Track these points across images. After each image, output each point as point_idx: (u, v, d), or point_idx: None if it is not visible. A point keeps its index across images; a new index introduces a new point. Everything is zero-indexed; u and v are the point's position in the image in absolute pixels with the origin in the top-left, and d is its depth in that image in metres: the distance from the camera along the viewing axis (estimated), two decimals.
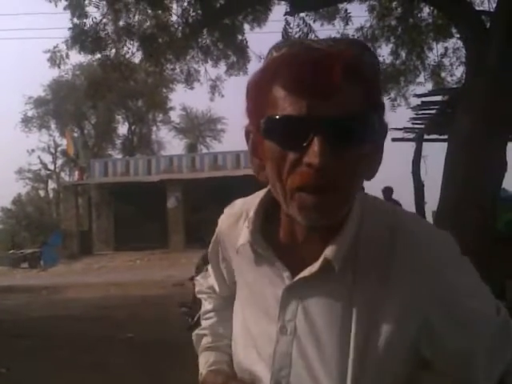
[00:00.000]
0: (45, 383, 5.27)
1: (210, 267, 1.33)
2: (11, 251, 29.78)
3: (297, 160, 0.83)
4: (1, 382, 5.34)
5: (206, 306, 1.37)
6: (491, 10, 8.42)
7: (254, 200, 1.08)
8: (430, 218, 9.28)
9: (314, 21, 11.42)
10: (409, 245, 0.91)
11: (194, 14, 10.51)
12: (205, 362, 1.22)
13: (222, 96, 13.35)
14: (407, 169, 9.16)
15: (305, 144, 0.81)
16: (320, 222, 0.86)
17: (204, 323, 1.36)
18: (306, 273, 0.93)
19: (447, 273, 0.90)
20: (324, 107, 0.80)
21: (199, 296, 1.42)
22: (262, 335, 1.01)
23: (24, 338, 7.42)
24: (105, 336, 7.55)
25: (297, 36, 10.13)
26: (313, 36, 10.08)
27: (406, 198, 11.34)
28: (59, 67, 11.77)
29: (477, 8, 7.63)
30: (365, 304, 0.90)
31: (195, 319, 5.87)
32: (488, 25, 7.15)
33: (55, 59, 11.64)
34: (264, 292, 1.02)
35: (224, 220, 1.18)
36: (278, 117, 0.83)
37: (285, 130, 0.83)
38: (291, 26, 10.66)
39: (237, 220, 1.12)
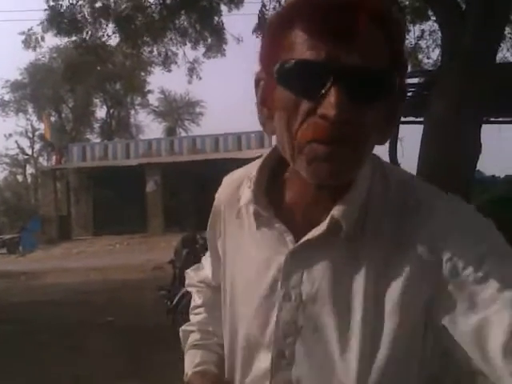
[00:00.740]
0: (24, 367, 5.27)
1: (207, 254, 1.24)
2: None
3: (310, 110, 0.75)
4: None
5: (196, 300, 1.29)
6: None
7: (256, 165, 0.98)
8: None
9: None
10: (426, 206, 0.84)
11: None
12: (191, 361, 1.15)
13: (200, 78, 13.30)
14: (384, 151, 9.22)
15: (321, 93, 0.73)
16: (329, 180, 0.79)
17: (192, 318, 1.28)
18: (311, 235, 0.86)
19: (471, 239, 0.79)
20: (346, 55, 0.73)
21: (189, 289, 1.35)
22: (260, 307, 0.93)
23: (3, 323, 7.40)
24: (84, 320, 7.56)
25: None
26: None
27: None
28: (34, 50, 11.64)
29: None
30: (374, 267, 0.83)
31: (174, 302, 5.90)
32: (464, 7, 7.19)
33: (30, 42, 11.49)
34: (264, 259, 0.93)
35: (223, 188, 1.09)
36: (294, 61, 0.76)
37: (300, 76, 0.75)
38: (267, 7, 10.65)
39: (238, 186, 1.03)
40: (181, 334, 1.27)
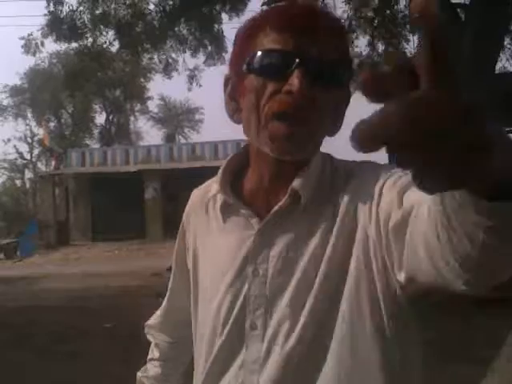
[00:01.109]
0: (22, 373, 5.26)
1: (172, 275, 1.36)
2: None
3: (277, 89, 0.91)
4: None
5: (154, 353, 1.39)
6: (466, 2, 8.50)
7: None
8: None
9: None
10: (351, 176, 0.99)
11: (171, 2, 10.46)
12: None
13: (200, 86, 13.29)
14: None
15: (287, 71, 0.89)
16: (289, 155, 0.95)
17: (149, 369, 1.39)
18: (275, 208, 0.98)
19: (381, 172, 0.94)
20: (309, 47, 0.89)
21: (148, 337, 1.43)
22: (230, 287, 1.01)
23: (1, 329, 7.39)
24: (82, 326, 7.55)
25: None
26: None
27: None
28: (34, 55, 11.67)
29: (452, 0, 7.70)
30: (329, 236, 0.95)
31: None
32: (463, 18, 7.23)
33: (29, 46, 11.52)
34: (234, 246, 1.03)
35: (192, 198, 1.20)
36: (264, 50, 0.93)
37: (270, 62, 0.92)
38: None
39: (207, 191, 1.14)
40: (137, 378, 1.39)
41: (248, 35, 0.97)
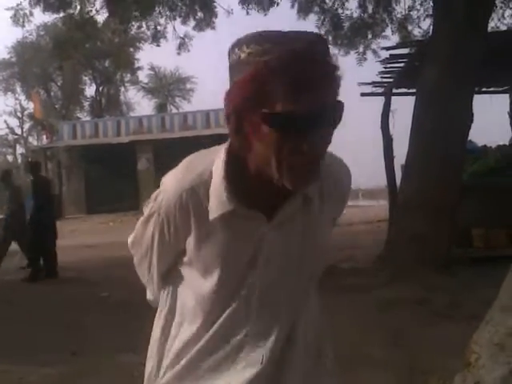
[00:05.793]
0: (20, 343, 5.29)
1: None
2: None
3: (297, 146, 1.01)
4: None
5: None
6: None
7: (210, 165, 1.18)
8: (398, 172, 9.37)
9: None
10: (334, 182, 1.26)
11: None
12: None
13: (188, 51, 13.00)
14: (376, 123, 9.18)
15: (307, 130, 1.00)
16: (307, 187, 1.13)
17: None
18: (288, 210, 1.16)
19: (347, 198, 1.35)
20: (317, 106, 0.98)
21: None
22: (244, 268, 1.20)
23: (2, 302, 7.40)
24: (79, 295, 7.58)
25: None
26: None
27: (375, 153, 11.40)
28: (23, 27, 11.43)
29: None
30: (322, 223, 1.26)
31: None
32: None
33: (19, 17, 11.28)
34: (243, 239, 1.18)
35: (187, 181, 1.21)
36: (287, 111, 0.98)
37: (291, 122, 0.99)
38: None
39: (204, 192, 1.17)
40: None
41: (263, 84, 0.99)
